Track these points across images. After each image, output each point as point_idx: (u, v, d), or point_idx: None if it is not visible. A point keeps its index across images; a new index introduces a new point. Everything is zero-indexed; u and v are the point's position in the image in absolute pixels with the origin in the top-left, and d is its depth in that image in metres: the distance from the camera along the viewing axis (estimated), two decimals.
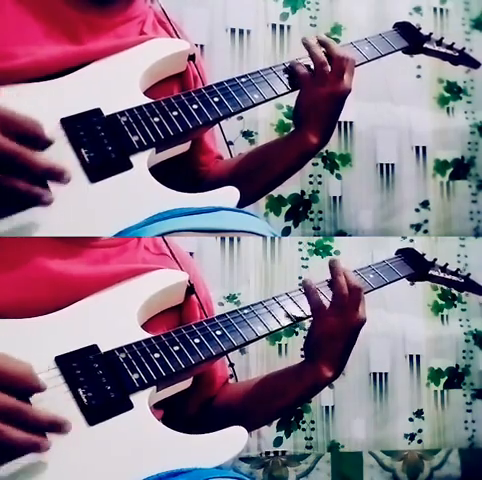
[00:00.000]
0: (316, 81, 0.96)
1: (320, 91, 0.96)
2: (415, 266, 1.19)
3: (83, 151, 0.82)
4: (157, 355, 0.83)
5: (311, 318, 0.97)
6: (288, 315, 0.96)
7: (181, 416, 0.91)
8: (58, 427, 0.71)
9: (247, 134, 1.57)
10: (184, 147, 0.94)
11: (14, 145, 0.72)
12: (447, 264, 1.26)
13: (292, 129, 1.04)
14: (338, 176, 1.64)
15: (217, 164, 1.08)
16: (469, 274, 1.25)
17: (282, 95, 0.97)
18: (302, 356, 1.00)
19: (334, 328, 0.94)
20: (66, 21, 0.89)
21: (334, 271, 0.96)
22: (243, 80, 0.95)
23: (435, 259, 1.25)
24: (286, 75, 0.98)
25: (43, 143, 0.75)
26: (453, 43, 1.22)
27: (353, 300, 0.94)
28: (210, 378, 0.98)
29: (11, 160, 0.72)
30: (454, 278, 1.25)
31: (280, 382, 0.98)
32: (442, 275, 1.24)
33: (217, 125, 1.04)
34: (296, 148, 1.00)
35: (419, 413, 1.63)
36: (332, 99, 0.97)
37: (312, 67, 0.97)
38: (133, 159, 0.84)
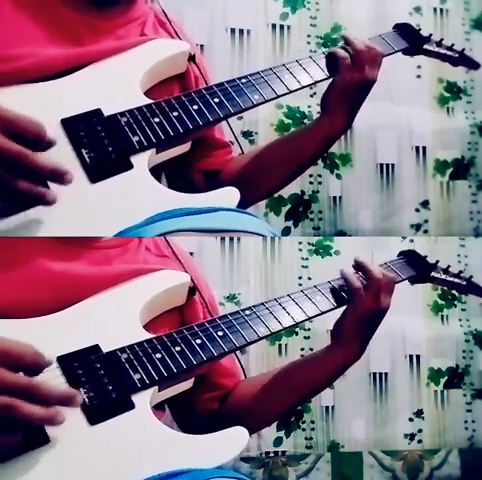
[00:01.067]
0: (354, 66, 1.00)
1: (355, 77, 1.00)
2: (417, 268, 1.19)
3: (83, 151, 0.82)
4: (159, 355, 0.83)
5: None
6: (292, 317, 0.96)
7: (194, 413, 0.95)
8: (70, 400, 0.71)
9: (247, 134, 1.57)
10: (184, 147, 0.95)
11: (18, 147, 0.73)
12: (449, 266, 1.26)
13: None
14: (338, 176, 1.64)
15: (231, 162, 1.09)
16: (471, 276, 1.25)
17: (282, 96, 0.98)
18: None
19: (369, 312, 0.98)
20: (67, 23, 0.90)
21: (363, 264, 1.02)
22: (243, 81, 0.95)
23: (437, 261, 1.25)
24: (286, 76, 0.98)
25: (45, 145, 0.76)
26: (453, 44, 1.22)
27: (387, 285, 1.00)
28: (227, 372, 1.00)
29: (15, 161, 0.72)
30: (456, 280, 1.24)
31: (308, 370, 1.02)
32: (444, 277, 1.24)
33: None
34: (323, 132, 1.04)
35: (419, 413, 1.63)
36: (363, 86, 1.01)
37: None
38: (133, 159, 0.84)
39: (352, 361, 1.00)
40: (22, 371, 0.70)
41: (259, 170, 1.03)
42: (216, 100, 0.92)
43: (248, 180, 1.03)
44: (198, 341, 0.86)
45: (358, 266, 1.03)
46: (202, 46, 1.54)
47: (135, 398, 0.79)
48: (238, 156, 1.12)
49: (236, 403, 1.00)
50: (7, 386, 0.67)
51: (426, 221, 1.69)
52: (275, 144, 1.12)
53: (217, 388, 1.00)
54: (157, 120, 0.87)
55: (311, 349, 1.48)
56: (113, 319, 0.86)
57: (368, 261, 1.02)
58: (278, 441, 1.53)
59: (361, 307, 0.98)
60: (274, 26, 1.62)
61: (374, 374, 1.62)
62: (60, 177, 0.76)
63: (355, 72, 1.00)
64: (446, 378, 1.66)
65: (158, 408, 0.85)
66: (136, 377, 0.80)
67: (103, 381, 0.78)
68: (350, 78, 1.00)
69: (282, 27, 1.63)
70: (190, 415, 0.99)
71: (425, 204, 1.69)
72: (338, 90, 1.01)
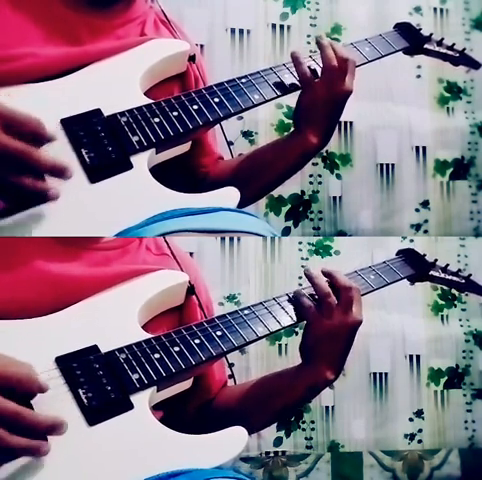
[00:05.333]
0: (321, 81, 0.96)
1: (322, 92, 0.96)
2: (416, 267, 1.19)
3: (83, 151, 0.82)
4: (157, 355, 0.83)
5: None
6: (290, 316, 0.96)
7: (180, 419, 0.91)
8: (57, 429, 0.71)
9: (247, 134, 1.57)
10: (184, 147, 0.95)
11: (18, 143, 0.73)
12: (448, 265, 1.26)
13: (292, 130, 1.04)
14: (338, 176, 1.64)
15: (218, 165, 1.08)
16: (470, 275, 1.25)
17: (282, 95, 0.97)
18: None
19: (329, 330, 0.93)
20: (66, 23, 0.90)
21: (311, 277, 0.96)
22: (243, 80, 0.96)
23: (436, 260, 1.25)
24: (286, 75, 0.98)
25: (45, 140, 0.76)
26: (454, 44, 1.22)
27: (345, 299, 0.93)
28: (208, 381, 0.98)
29: (16, 158, 0.73)
30: (455, 279, 1.25)
31: (278, 383, 0.98)
32: (443, 276, 1.24)
33: (217, 125, 1.04)
34: (296, 149, 1.01)
35: (419, 413, 1.63)
36: (334, 100, 0.97)
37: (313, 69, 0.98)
38: (133, 159, 0.84)
39: (328, 381, 0.94)
40: (15, 396, 0.69)
41: (231, 182, 0.94)
42: (216, 100, 0.92)
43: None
44: (197, 341, 0.86)
45: (325, 276, 0.97)
46: (202, 46, 1.53)
47: (134, 398, 0.79)
48: (223, 161, 1.11)
49: (216, 411, 0.98)
50: None
51: (426, 221, 1.69)
52: (249, 155, 1.09)
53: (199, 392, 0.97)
54: (157, 120, 0.87)
55: None
56: (111, 319, 0.86)
57: (335, 271, 0.97)
58: (278, 441, 1.52)
59: (318, 326, 0.93)
60: (274, 26, 1.62)
61: (374, 374, 1.62)
62: (61, 173, 0.76)
63: (322, 87, 0.96)
64: (446, 378, 1.66)
65: (156, 409, 0.85)
66: (135, 377, 0.80)
67: (102, 381, 0.78)
68: (315, 94, 0.96)
69: (282, 27, 1.62)
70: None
71: (425, 204, 1.69)
72: (304, 108, 0.98)
